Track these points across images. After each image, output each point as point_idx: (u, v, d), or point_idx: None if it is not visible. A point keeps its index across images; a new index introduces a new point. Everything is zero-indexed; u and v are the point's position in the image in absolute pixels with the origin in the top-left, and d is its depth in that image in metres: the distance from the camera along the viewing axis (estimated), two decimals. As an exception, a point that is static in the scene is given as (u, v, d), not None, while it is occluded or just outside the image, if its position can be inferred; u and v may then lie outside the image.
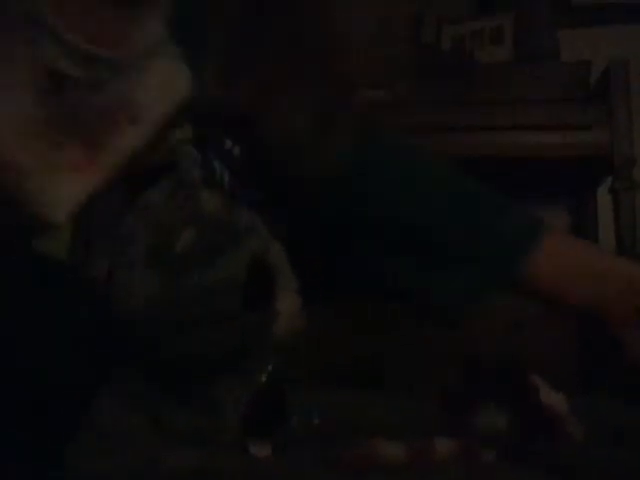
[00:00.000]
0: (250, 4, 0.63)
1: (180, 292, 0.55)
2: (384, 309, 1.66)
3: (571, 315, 0.73)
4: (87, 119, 0.57)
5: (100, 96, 0.57)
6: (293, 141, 0.66)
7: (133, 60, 0.58)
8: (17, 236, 0.56)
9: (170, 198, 0.58)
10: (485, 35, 1.85)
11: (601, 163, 1.55)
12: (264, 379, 0.69)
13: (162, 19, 0.60)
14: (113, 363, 0.59)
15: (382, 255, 0.74)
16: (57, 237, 0.58)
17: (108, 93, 0.57)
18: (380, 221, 0.73)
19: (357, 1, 1.91)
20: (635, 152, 1.52)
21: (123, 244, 0.57)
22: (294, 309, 0.61)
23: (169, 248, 0.55)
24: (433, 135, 1.54)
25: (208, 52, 0.63)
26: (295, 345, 0.64)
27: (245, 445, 0.68)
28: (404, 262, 0.73)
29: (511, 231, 0.70)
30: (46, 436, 0.58)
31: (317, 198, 0.71)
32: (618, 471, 0.67)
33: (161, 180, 0.59)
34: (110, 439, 0.57)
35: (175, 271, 0.55)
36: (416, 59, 1.79)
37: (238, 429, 0.62)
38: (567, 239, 0.71)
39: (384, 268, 0.74)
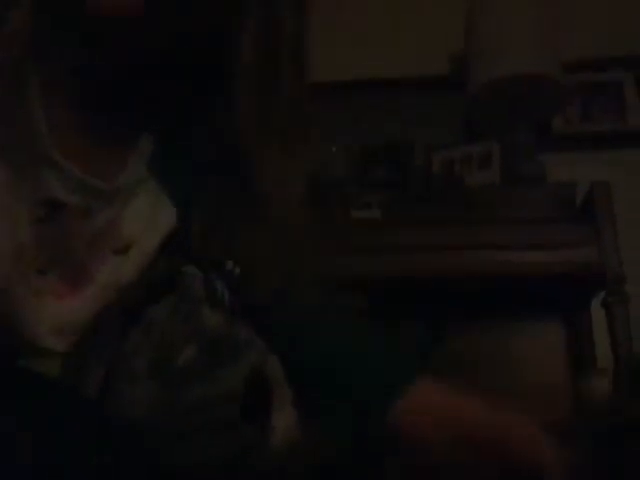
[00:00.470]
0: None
1: (180, 403, 0.56)
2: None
3: None
4: (73, 248, 0.62)
5: (88, 224, 0.62)
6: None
7: (121, 192, 0.65)
8: (7, 355, 0.58)
9: (173, 314, 0.61)
10: (474, 160, 1.95)
11: (593, 278, 1.59)
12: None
13: (143, 160, 0.67)
14: (111, 477, 0.59)
15: None
16: (49, 355, 0.60)
17: (96, 222, 0.63)
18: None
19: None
20: (624, 267, 1.56)
21: (126, 357, 0.59)
22: (289, 422, 0.62)
23: (171, 361, 0.58)
24: (427, 254, 1.59)
25: (194, 208, 0.69)
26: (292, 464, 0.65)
27: None
28: None
29: (380, 387, 0.74)
30: None
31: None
32: None
33: (164, 296, 0.63)
34: None
35: (176, 383, 0.57)
36: (408, 182, 1.87)
37: None
38: (434, 387, 0.74)
39: None
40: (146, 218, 0.66)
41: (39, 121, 0.59)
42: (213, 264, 0.67)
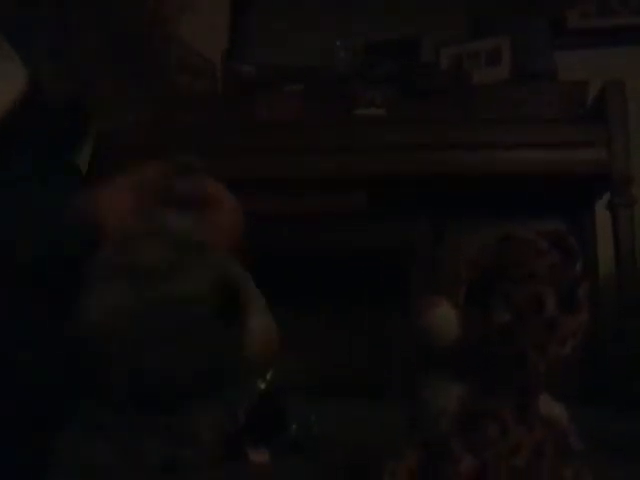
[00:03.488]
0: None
1: (145, 305, 0.54)
2: (382, 318, 1.66)
3: None
4: None
5: None
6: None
7: None
8: None
9: (136, 215, 0.58)
10: (483, 56, 1.87)
11: (599, 180, 1.56)
12: (263, 387, 0.69)
13: None
14: (82, 393, 0.58)
15: None
16: None
17: None
18: None
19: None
20: (634, 170, 1.53)
21: (91, 260, 0.57)
22: (265, 326, 0.60)
23: (134, 262, 0.55)
24: (432, 153, 1.55)
25: (47, 53, 0.70)
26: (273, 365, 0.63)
27: (244, 451, 0.67)
28: None
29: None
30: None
31: None
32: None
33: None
34: (78, 474, 0.56)
35: (140, 284, 0.54)
36: (415, 79, 1.81)
37: (217, 455, 0.60)
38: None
39: None
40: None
41: None
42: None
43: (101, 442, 0.56)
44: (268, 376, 0.68)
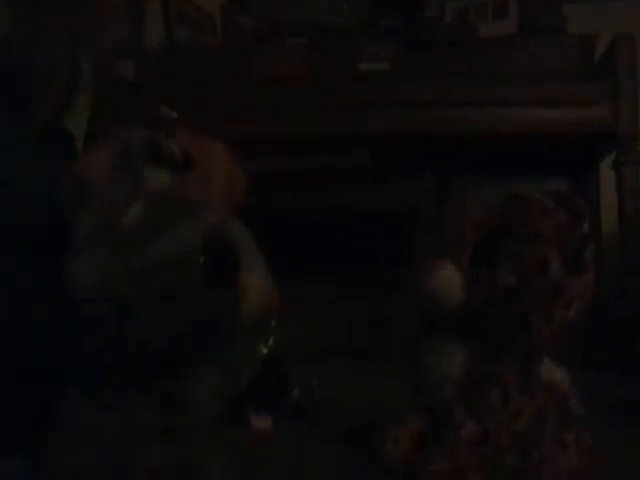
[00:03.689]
0: None
1: (132, 267, 0.53)
2: (382, 283, 1.66)
3: None
4: None
5: None
6: None
7: None
8: None
9: (110, 173, 0.57)
10: (489, 9, 1.83)
11: (604, 138, 1.53)
12: (265, 353, 0.69)
13: None
14: (84, 362, 0.58)
15: None
16: None
17: None
18: None
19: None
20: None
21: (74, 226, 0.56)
22: (262, 285, 0.59)
23: (115, 224, 0.54)
24: (438, 109, 1.52)
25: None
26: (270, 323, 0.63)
27: (246, 417, 0.68)
28: None
29: None
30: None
31: None
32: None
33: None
34: (86, 441, 0.56)
35: (124, 247, 0.53)
36: (419, 33, 1.77)
37: (217, 420, 0.60)
38: None
39: None
40: None
41: None
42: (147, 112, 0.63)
43: (108, 413, 0.56)
44: (270, 342, 0.68)
